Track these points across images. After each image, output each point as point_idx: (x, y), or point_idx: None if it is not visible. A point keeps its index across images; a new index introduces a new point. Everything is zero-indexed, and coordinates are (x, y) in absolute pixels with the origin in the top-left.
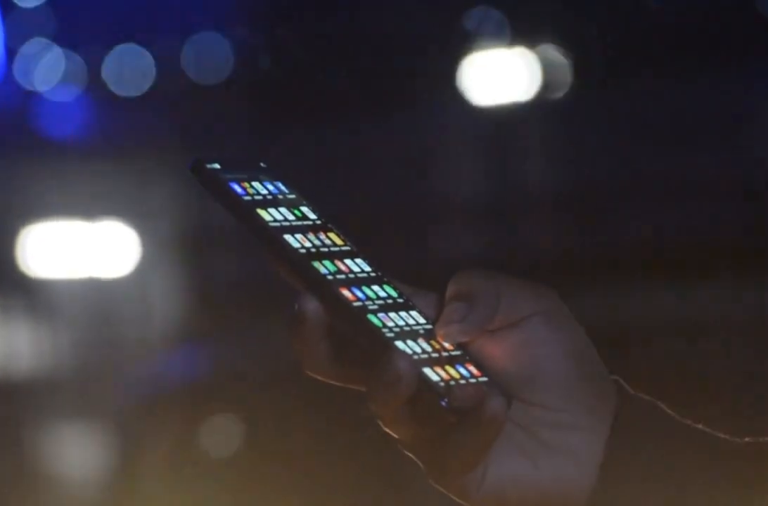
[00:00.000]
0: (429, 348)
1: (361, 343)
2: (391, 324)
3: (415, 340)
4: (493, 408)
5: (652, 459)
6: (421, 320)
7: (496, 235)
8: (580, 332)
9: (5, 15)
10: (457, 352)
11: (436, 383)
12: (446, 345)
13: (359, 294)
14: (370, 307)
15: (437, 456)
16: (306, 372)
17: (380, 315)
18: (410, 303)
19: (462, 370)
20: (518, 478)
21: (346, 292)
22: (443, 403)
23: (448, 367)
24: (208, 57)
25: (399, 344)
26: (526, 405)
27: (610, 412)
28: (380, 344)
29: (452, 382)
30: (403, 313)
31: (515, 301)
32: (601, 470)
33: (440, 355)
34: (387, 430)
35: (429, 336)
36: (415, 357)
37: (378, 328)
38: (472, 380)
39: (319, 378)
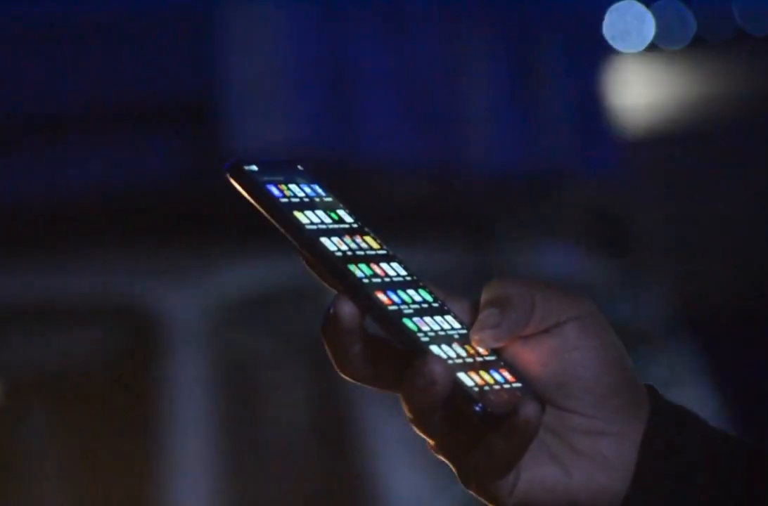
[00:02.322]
0: (464, 353)
1: (396, 347)
2: (426, 328)
3: (449, 345)
4: (527, 414)
5: (684, 465)
6: (456, 325)
7: None
8: (614, 338)
9: None
10: (492, 357)
11: (471, 388)
12: (481, 350)
13: (395, 298)
14: (406, 311)
15: (470, 461)
16: (341, 374)
17: (415, 319)
18: (445, 308)
19: (496, 375)
20: (550, 484)
21: (381, 296)
22: (477, 408)
23: (482, 372)
24: None
25: (434, 348)
26: (558, 411)
27: (643, 419)
28: (415, 348)
29: (486, 387)
30: (438, 318)
31: (549, 308)
32: (633, 476)
33: (475, 360)
34: (420, 433)
35: (464, 341)
36: (450, 361)
37: (413, 332)
38: (507, 385)
39: (353, 380)
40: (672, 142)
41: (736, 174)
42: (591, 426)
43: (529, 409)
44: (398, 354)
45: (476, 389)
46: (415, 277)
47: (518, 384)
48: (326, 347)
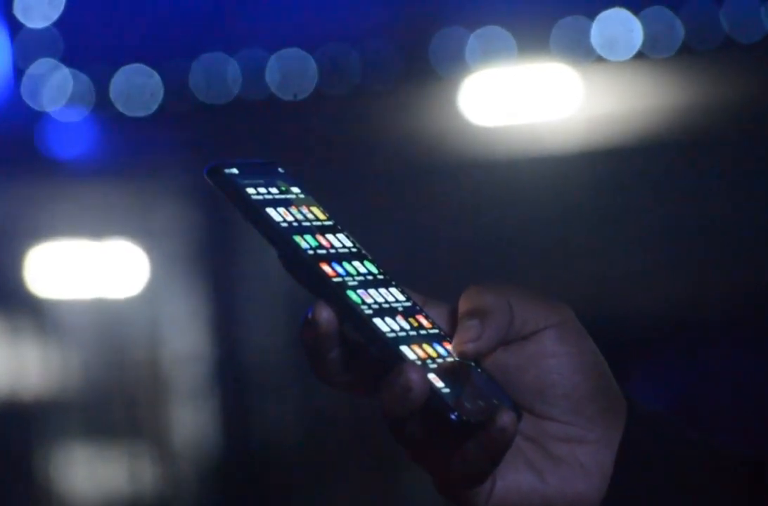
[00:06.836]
0: (439, 359)
1: (372, 352)
2: (396, 327)
3: (421, 348)
4: (503, 422)
5: (660, 473)
6: (433, 329)
7: None
8: (591, 346)
9: (13, 35)
10: (469, 362)
11: (446, 396)
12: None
13: (368, 299)
14: (376, 310)
15: (446, 469)
16: (318, 380)
17: (387, 319)
18: (417, 307)
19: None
20: (526, 491)
21: (353, 295)
22: (453, 417)
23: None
24: (216, 77)
25: (407, 351)
26: (535, 417)
27: (620, 426)
28: (390, 353)
29: (462, 395)
30: (411, 319)
31: (527, 315)
32: (610, 484)
33: (445, 361)
34: (397, 440)
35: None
36: (428, 367)
37: (384, 334)
38: (483, 393)
39: (331, 387)
40: (660, 151)
41: (724, 182)
42: (568, 432)
43: (504, 418)
44: (375, 361)
45: (452, 397)
46: (388, 276)
47: (495, 391)
48: (304, 352)
